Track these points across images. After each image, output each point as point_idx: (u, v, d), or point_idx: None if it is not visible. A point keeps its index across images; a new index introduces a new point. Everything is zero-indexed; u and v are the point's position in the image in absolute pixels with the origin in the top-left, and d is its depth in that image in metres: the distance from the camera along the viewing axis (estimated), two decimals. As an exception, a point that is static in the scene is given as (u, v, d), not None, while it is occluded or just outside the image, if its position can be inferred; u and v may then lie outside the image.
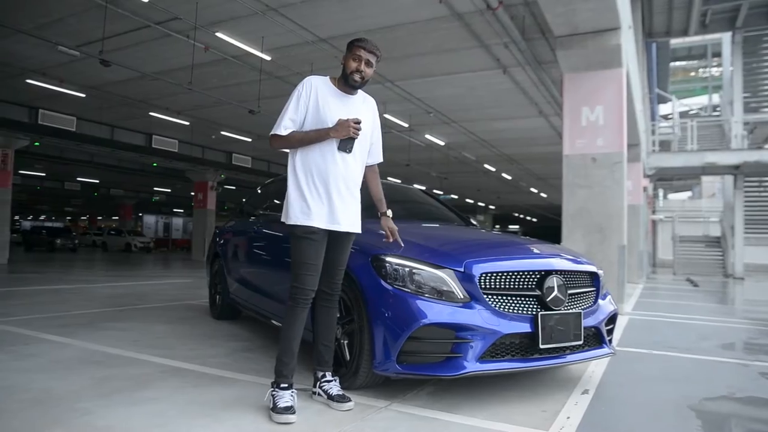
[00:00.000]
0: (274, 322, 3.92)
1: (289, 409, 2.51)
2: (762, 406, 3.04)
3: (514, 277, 2.88)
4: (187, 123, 15.87)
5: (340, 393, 2.73)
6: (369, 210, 3.01)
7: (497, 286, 2.84)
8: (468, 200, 37.76)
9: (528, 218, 55.71)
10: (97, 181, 31.01)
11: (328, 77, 2.85)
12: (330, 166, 2.71)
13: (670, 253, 21.29)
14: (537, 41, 9.39)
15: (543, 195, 33.89)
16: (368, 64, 2.76)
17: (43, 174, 28.08)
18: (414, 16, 8.89)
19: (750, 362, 4.17)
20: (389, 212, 2.99)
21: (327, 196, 2.70)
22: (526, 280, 2.90)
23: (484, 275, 2.81)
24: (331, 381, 2.80)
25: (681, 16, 16.95)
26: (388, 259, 2.86)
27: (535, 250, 3.17)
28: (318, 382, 2.81)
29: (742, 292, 12.27)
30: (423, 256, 2.89)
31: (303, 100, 2.73)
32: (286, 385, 2.64)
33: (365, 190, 2.93)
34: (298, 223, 2.69)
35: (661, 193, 29.38)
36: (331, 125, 2.69)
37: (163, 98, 13.78)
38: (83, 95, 13.06)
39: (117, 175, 26.70)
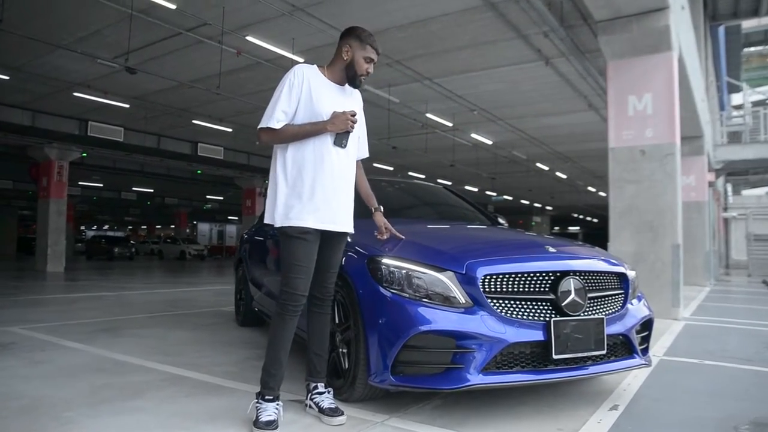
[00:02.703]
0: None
1: (270, 424, 2.33)
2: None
3: (523, 279, 2.56)
4: (230, 130, 16.11)
5: (332, 406, 2.51)
6: (387, 211, 2.85)
7: (504, 290, 2.52)
8: (523, 201, 36.81)
9: (588, 219, 53.71)
10: (152, 190, 32.05)
11: (315, 66, 2.64)
12: (326, 163, 2.50)
13: (744, 253, 19.89)
14: (578, 28, 8.88)
15: (602, 194, 32.55)
16: (374, 65, 2.61)
17: (101, 185, 29.25)
18: (446, 8, 8.59)
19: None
20: (381, 208, 2.82)
21: (323, 194, 2.49)
22: (538, 282, 2.57)
23: (487, 277, 2.51)
24: (323, 393, 2.58)
25: (750, -5, 15.77)
26: (384, 260, 2.62)
27: (552, 250, 2.82)
28: (309, 394, 2.61)
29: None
30: (421, 258, 2.62)
31: (296, 90, 2.51)
32: (271, 398, 2.44)
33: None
34: (291, 225, 2.48)
35: (730, 188, 27.60)
36: (325, 118, 2.49)
37: (203, 105, 14.01)
38: (127, 106, 13.47)
39: (169, 184, 27.60)
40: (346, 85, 2.64)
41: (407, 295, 2.50)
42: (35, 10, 8.60)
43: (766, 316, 6.98)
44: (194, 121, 15.26)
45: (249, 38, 9.29)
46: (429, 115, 14.44)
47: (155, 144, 17.15)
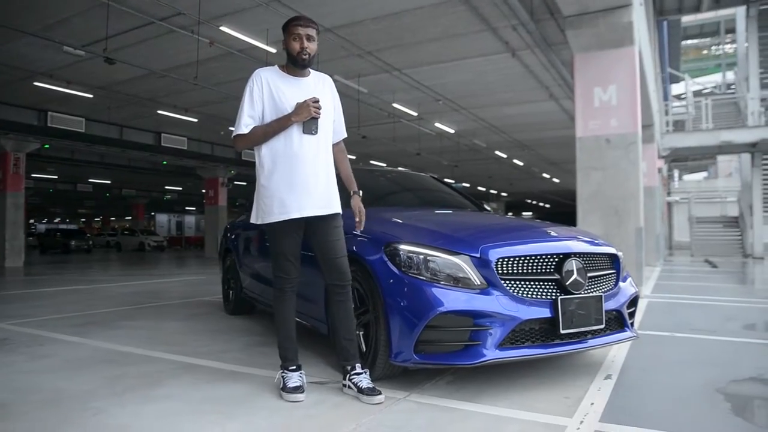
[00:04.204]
0: None
1: (297, 389, 2.64)
2: (795, 387, 2.92)
3: (531, 261, 2.78)
4: (196, 120, 15.85)
5: (370, 386, 2.65)
6: (380, 199, 2.98)
7: (515, 271, 2.74)
8: (480, 188, 37.58)
9: (541, 204, 55.34)
10: (109, 182, 31.29)
11: (276, 66, 2.81)
12: (298, 152, 2.66)
13: (686, 235, 21.05)
14: (546, 22, 9.20)
15: (555, 180, 33.62)
16: (309, 39, 2.70)
17: (56, 177, 28.29)
18: (420, 1, 8.75)
19: (778, 342, 4.04)
20: (360, 192, 2.94)
21: (300, 183, 2.66)
22: (545, 263, 2.80)
23: (501, 260, 2.72)
24: (361, 373, 2.71)
25: (693, -8, 16.58)
26: (402, 246, 2.78)
27: (553, 233, 3.07)
28: (348, 375, 2.73)
29: (762, 271, 12.06)
30: (437, 243, 2.80)
31: (257, 94, 2.69)
32: (294, 367, 2.75)
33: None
34: (274, 221, 2.67)
35: (676, 174, 28.99)
36: (290, 111, 2.65)
37: (171, 95, 13.78)
38: (91, 96, 13.08)
39: (128, 175, 26.90)
40: (312, 74, 2.81)
41: (426, 279, 2.67)
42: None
43: (717, 291, 7.55)
44: (159, 111, 14.93)
45: (223, 28, 9.21)
46: (396, 105, 14.61)
47: (118, 135, 16.65)
